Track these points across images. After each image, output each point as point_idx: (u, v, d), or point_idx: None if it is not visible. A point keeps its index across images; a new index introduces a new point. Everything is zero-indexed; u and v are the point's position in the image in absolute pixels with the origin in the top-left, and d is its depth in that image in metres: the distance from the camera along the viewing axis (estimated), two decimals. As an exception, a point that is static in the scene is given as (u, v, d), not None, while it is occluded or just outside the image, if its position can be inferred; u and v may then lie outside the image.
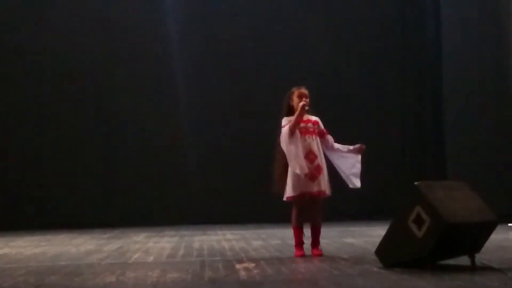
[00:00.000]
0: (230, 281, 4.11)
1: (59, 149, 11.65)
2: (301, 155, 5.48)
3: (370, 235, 7.61)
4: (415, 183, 4.47)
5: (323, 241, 5.85)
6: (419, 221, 4.32)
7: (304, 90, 5.66)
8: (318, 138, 5.67)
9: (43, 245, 7.49)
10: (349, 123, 11.46)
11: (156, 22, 11.96)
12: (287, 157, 5.49)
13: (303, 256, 5.47)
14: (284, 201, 5.65)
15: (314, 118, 5.71)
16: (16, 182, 11.52)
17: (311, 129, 5.64)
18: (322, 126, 5.75)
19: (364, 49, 12.20)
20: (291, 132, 5.51)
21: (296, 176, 5.49)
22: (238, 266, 4.88)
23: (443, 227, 4.19)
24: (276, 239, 7.51)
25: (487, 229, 4.59)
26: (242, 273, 4.44)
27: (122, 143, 11.80)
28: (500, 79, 10.42)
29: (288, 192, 5.56)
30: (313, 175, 5.51)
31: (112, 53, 11.90)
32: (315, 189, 5.50)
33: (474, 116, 10.70)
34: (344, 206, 10.33)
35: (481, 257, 4.62)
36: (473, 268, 4.31)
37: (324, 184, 5.55)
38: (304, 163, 5.46)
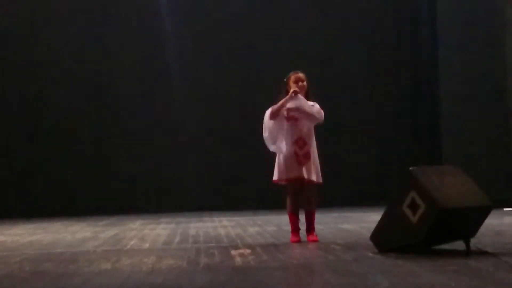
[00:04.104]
0: (225, 267, 4.11)
1: (56, 137, 11.63)
2: (284, 138, 5.47)
3: (365, 221, 7.62)
4: (410, 168, 4.47)
5: (318, 227, 5.85)
6: (413, 207, 4.33)
7: (300, 74, 5.61)
8: (312, 125, 5.62)
9: (38, 233, 7.49)
10: (345, 110, 11.47)
11: (153, 17, 11.94)
12: (264, 138, 5.51)
13: (298, 242, 5.47)
14: (277, 185, 5.68)
15: (311, 103, 5.61)
16: (12, 171, 11.50)
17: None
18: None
19: (360, 39, 12.15)
20: (272, 115, 5.49)
21: (283, 161, 5.49)
22: (233, 252, 4.89)
23: (438, 212, 4.20)
24: (272, 225, 7.51)
25: (481, 214, 4.60)
26: (238, 259, 4.45)
27: (118, 131, 11.77)
28: (494, 66, 10.40)
29: (275, 175, 5.58)
30: (301, 161, 5.48)
31: (110, 45, 11.89)
32: (301, 174, 5.46)
33: (469, 102, 10.69)
34: (339, 192, 10.35)
35: (476, 242, 4.64)
36: (468, 253, 4.32)
37: (312, 171, 5.49)
38: (283, 145, 5.46)
